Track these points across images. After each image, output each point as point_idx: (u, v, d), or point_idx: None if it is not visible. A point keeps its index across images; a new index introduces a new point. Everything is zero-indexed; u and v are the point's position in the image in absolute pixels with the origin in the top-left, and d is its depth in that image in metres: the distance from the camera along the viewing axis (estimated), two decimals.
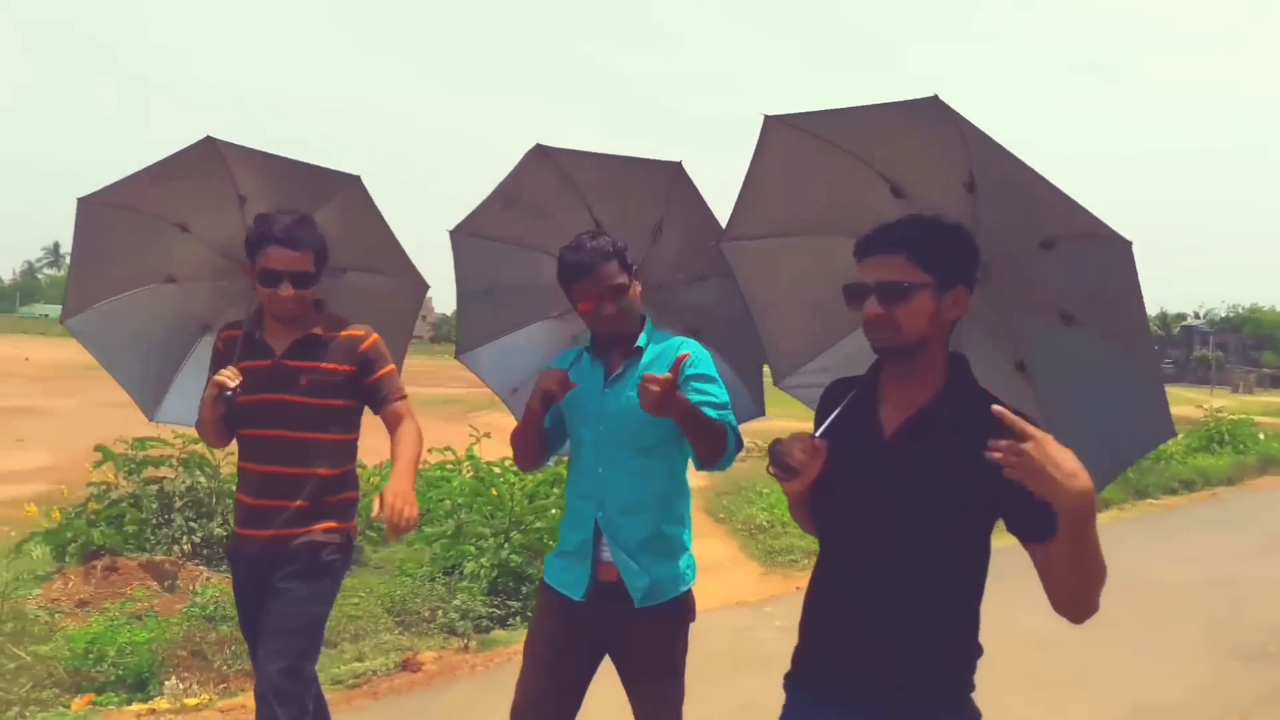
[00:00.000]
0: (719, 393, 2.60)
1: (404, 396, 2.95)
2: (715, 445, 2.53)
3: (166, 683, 4.45)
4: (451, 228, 3.11)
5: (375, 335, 2.93)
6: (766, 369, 2.96)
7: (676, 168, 2.66)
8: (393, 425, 2.91)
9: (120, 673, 4.48)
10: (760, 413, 3.03)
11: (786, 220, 2.45)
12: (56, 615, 5.12)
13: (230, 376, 2.78)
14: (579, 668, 2.66)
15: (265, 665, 2.73)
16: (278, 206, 2.87)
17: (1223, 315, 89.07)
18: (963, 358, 1.94)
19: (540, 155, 2.82)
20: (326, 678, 4.49)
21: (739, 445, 2.59)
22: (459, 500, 6.96)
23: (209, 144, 2.82)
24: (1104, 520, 10.28)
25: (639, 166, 2.74)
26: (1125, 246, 1.81)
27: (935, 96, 1.80)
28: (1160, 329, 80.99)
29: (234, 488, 6.11)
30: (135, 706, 4.25)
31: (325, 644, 4.83)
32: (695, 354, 2.64)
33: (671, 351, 2.62)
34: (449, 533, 6.33)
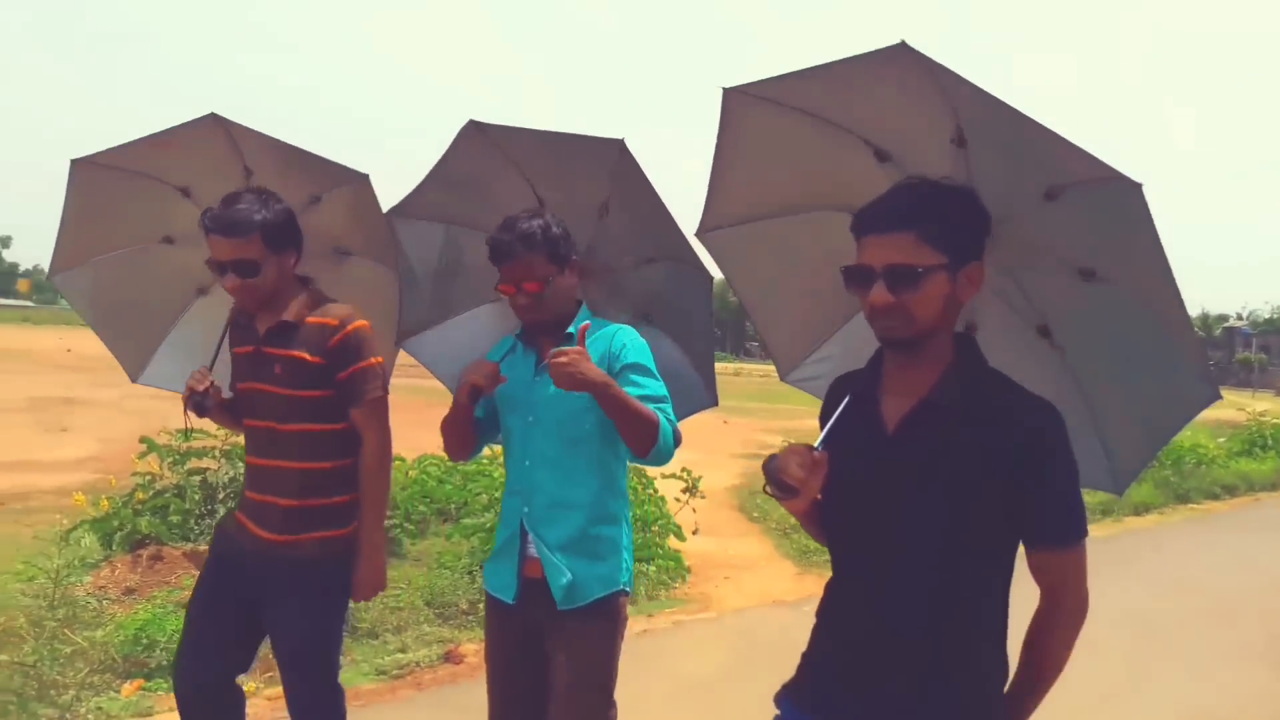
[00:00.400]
0: (655, 386, 2.48)
1: (376, 396, 2.69)
2: (643, 432, 2.38)
3: None
4: (387, 209, 2.96)
5: (356, 324, 2.68)
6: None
7: (620, 145, 2.53)
8: (363, 440, 2.70)
9: (168, 659, 4.56)
10: (713, 402, 2.85)
11: (766, 201, 2.26)
12: (104, 602, 5.24)
13: (198, 380, 2.69)
14: (529, 677, 2.54)
15: (294, 694, 2.70)
16: (284, 183, 2.76)
17: (1267, 317, 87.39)
18: (969, 338, 1.81)
19: (475, 131, 2.67)
20: (371, 668, 4.58)
21: (677, 439, 2.48)
22: (497, 494, 7.01)
23: (214, 120, 2.71)
24: (1146, 525, 10.25)
25: (579, 143, 2.59)
26: (1135, 189, 1.61)
27: (903, 43, 1.65)
28: (1201, 330, 79.60)
29: None
30: None
31: (368, 635, 4.95)
32: (629, 342, 2.52)
33: (605, 339, 2.51)
34: (488, 526, 6.38)
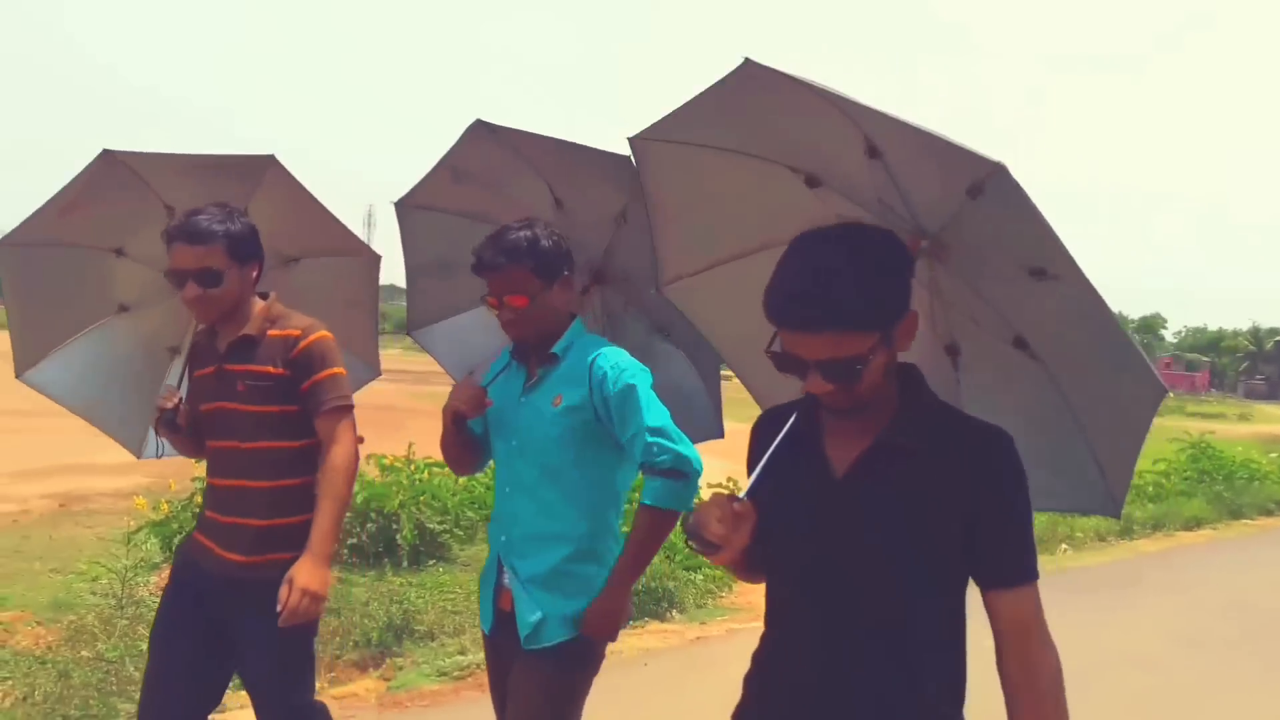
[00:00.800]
0: (648, 415, 2.28)
1: (340, 405, 2.60)
2: (667, 532, 2.33)
3: None
4: (396, 199, 2.94)
5: (318, 334, 2.61)
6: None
7: (629, 161, 2.41)
8: (324, 449, 2.58)
9: None
10: (719, 434, 2.67)
11: (715, 246, 2.16)
12: None
13: (167, 398, 2.66)
14: None
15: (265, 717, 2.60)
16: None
17: None
18: (910, 369, 1.67)
19: (485, 131, 2.59)
20: (432, 669, 4.64)
21: (683, 473, 2.28)
22: None
23: (108, 158, 2.67)
24: (1199, 540, 10.12)
25: (590, 153, 2.54)
26: (1002, 172, 1.47)
27: (747, 60, 1.58)
28: (1252, 344, 77.95)
29: None
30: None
31: (425, 638, 5.01)
32: (609, 369, 2.32)
33: (582, 364, 2.35)
34: None
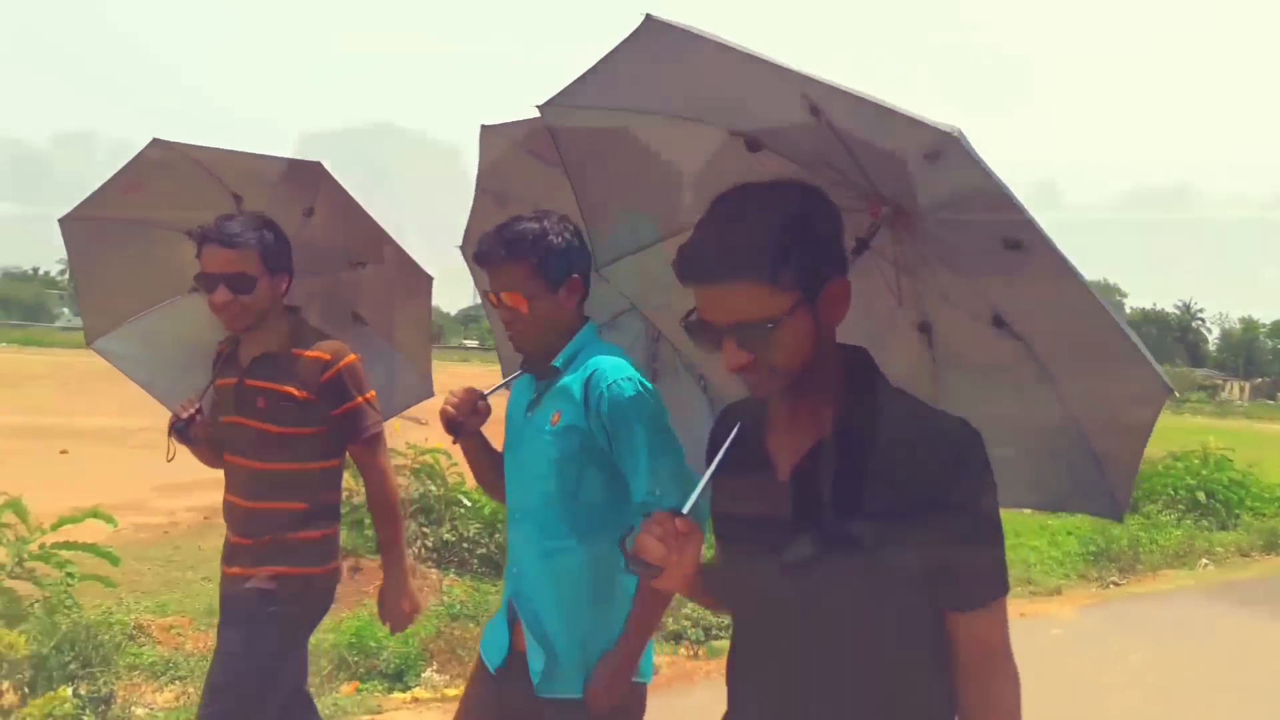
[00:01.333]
0: (646, 453, 1.99)
1: (375, 432, 2.61)
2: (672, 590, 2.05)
3: (423, 674, 4.78)
4: (459, 242, 2.79)
5: (348, 359, 2.56)
6: None
7: None
8: (364, 476, 2.66)
9: (378, 663, 4.84)
10: None
11: (656, 220, 1.96)
12: None
13: (184, 407, 2.60)
14: None
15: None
16: (274, 202, 2.64)
17: None
18: (860, 352, 1.47)
19: (494, 138, 2.40)
20: None
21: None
22: None
23: (159, 145, 2.67)
24: None
25: None
26: (954, 143, 1.28)
27: (649, 16, 1.44)
28: None
29: (461, 496, 6.54)
30: (397, 695, 4.59)
31: None
32: (608, 390, 2.02)
33: (579, 378, 2.07)
34: None
